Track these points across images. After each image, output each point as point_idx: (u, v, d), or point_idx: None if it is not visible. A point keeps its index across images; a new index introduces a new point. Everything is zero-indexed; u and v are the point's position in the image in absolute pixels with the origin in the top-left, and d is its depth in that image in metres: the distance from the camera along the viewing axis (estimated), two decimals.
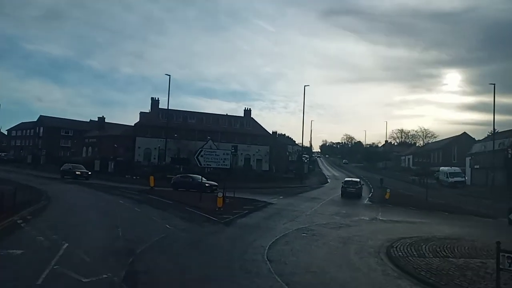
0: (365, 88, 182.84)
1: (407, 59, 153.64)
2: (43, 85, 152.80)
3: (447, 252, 12.71)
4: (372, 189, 40.12)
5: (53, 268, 8.50)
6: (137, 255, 10.25)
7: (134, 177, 40.71)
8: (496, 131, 75.58)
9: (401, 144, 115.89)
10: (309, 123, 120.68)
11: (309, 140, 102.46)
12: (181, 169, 42.93)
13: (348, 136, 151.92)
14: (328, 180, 57.60)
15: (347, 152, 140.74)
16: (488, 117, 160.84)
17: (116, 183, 35.45)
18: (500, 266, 7.75)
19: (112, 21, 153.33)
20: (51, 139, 75.32)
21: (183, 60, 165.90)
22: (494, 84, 38.49)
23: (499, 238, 8.63)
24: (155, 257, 10.34)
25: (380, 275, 9.88)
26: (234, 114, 73.38)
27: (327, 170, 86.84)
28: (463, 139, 67.97)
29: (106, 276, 8.15)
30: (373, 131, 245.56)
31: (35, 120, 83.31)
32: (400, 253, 12.38)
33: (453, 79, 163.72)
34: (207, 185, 28.05)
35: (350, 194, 31.37)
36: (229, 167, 22.26)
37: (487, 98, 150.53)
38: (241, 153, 63.05)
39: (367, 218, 20.13)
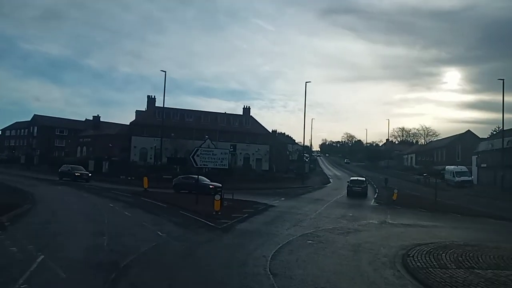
0: (364, 86, 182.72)
1: (407, 58, 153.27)
2: (41, 85, 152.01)
3: (471, 261, 11.33)
4: (377, 189, 38.84)
5: None
6: (121, 270, 8.85)
7: (129, 178, 39.25)
8: (500, 129, 74.61)
9: (402, 142, 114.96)
10: (310, 121, 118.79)
11: (310, 139, 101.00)
12: (178, 170, 41.56)
13: (348, 135, 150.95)
14: (330, 180, 56.29)
15: (348, 151, 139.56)
16: (488, 115, 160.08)
17: (110, 184, 34.09)
18: None
19: (110, 21, 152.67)
20: (45, 139, 73.74)
21: (182, 59, 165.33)
22: (503, 79, 37.10)
23: None
24: (141, 272, 8.95)
25: None
26: (233, 113, 72.10)
27: (328, 169, 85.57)
28: (467, 137, 66.71)
29: None
30: (373, 130, 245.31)
31: (30, 119, 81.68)
32: (419, 264, 10.99)
33: (453, 77, 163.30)
34: (211, 186, 26.63)
35: (356, 193, 32.16)
36: (227, 167, 20.86)
37: (487, 96, 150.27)
38: (240, 153, 61.68)
39: (376, 222, 18.75)
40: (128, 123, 60.97)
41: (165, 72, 40.95)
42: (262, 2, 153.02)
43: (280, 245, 12.41)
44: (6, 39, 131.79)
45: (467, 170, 47.28)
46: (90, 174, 37.28)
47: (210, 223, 15.50)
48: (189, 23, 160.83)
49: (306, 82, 50.22)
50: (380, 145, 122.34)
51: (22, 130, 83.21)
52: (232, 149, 46.22)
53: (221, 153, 20.51)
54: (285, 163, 69.27)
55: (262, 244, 12.63)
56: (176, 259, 10.44)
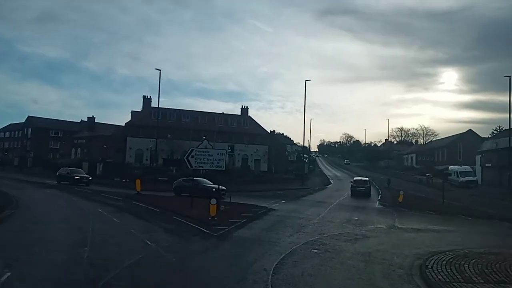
0: (362, 87, 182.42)
1: (404, 58, 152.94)
2: (39, 87, 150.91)
3: (499, 274, 10.02)
4: (380, 191, 37.56)
5: None
6: None
7: (124, 180, 37.78)
8: (501, 128, 73.65)
9: (401, 142, 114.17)
10: (309, 121, 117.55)
11: (308, 139, 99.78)
12: (174, 171, 40.27)
13: (347, 135, 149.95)
14: (331, 181, 55.00)
15: (346, 151, 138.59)
16: (485, 115, 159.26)
17: (102, 187, 32.67)
18: None
19: (108, 23, 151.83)
20: (39, 141, 72.09)
21: (179, 61, 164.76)
22: (510, 76, 35.76)
23: None
24: None
25: None
26: (231, 113, 70.73)
27: (327, 170, 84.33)
28: (469, 136, 65.59)
29: None
30: (371, 130, 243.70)
31: (23, 121, 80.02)
32: (440, 277, 9.69)
33: (450, 77, 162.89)
34: (214, 189, 25.26)
35: (359, 193, 33.00)
36: (224, 168, 19.51)
37: (484, 97, 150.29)
38: (238, 153, 60.32)
39: (384, 226, 17.43)
40: (124, 124, 59.55)
41: (159, 70, 39.51)
42: (259, 3, 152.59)
43: (283, 255, 11.13)
44: (4, 42, 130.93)
45: (472, 170, 46.04)
46: (90, 178, 35.49)
47: (205, 230, 14.18)
48: (187, 25, 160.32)
49: (306, 81, 48.85)
50: (378, 145, 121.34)
51: (16, 132, 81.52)
52: (229, 150, 44.83)
53: (218, 154, 19.17)
54: (284, 164, 67.94)
55: (262, 254, 11.35)
56: (164, 275, 9.12)
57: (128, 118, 60.08)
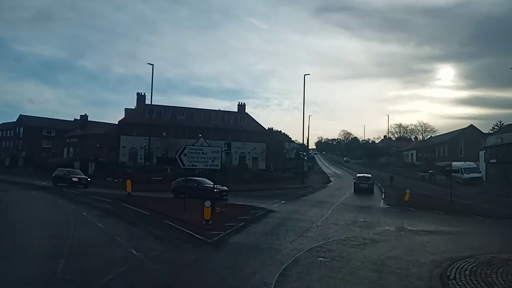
0: (359, 84, 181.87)
1: (400, 55, 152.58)
2: (35, 86, 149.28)
3: None
4: (383, 189, 36.33)
5: None
6: None
7: (116, 180, 36.26)
8: (502, 123, 72.55)
9: (400, 139, 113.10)
10: (307, 117, 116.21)
11: (307, 136, 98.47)
12: (169, 170, 38.85)
13: (345, 132, 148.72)
14: (331, 178, 53.70)
15: (344, 149, 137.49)
16: (482, 111, 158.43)
17: (93, 187, 31.19)
18: None
19: (104, 22, 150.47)
20: (31, 140, 70.22)
21: (176, 59, 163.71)
22: None
23: None
24: None
25: None
26: (228, 109, 69.25)
27: (326, 167, 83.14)
28: (470, 132, 64.38)
29: None
30: (369, 127, 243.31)
31: (15, 120, 78.06)
32: None
33: (446, 73, 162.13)
34: (216, 190, 23.84)
35: (363, 189, 33.58)
36: (219, 167, 18.10)
37: (480, 92, 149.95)
38: (236, 151, 58.81)
39: (393, 229, 16.12)
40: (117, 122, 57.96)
41: (152, 65, 37.98)
42: (255, 1, 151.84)
43: (285, 265, 9.83)
44: None
45: (476, 166, 44.77)
46: (89, 179, 33.54)
47: (198, 236, 12.81)
48: (183, 23, 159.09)
49: (305, 75, 47.22)
50: (376, 142, 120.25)
51: (8, 132, 79.60)
52: (226, 148, 43.33)
53: (213, 152, 17.78)
54: (282, 161, 66.56)
55: (262, 264, 10.03)
56: None
57: (122, 116, 58.58)
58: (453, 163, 44.42)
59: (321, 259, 10.69)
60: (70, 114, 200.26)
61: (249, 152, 61.68)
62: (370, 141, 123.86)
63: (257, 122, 66.10)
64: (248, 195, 29.53)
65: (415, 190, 33.17)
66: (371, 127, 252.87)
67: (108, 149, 52.21)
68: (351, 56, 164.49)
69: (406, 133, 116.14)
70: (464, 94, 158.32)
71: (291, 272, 9.26)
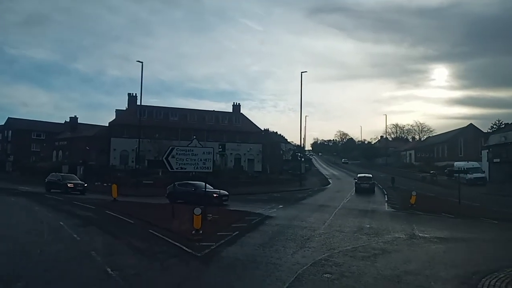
0: (353, 85, 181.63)
1: (395, 55, 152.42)
2: (28, 89, 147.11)
3: None
4: (385, 191, 34.89)
5: None
6: None
7: (105, 184, 34.47)
8: (501, 122, 71.54)
9: (397, 139, 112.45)
10: (304, 118, 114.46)
11: (303, 137, 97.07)
12: (160, 173, 37.16)
13: (341, 133, 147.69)
14: (329, 180, 52.14)
15: (341, 149, 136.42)
16: (476, 110, 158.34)
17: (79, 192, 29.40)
18: None
19: (97, 24, 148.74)
20: (20, 144, 68.07)
21: (171, 61, 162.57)
22: None
23: None
24: None
25: None
26: (222, 110, 67.56)
27: (324, 169, 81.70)
28: (470, 131, 63.26)
29: None
30: (364, 128, 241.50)
31: (3, 123, 75.77)
32: None
33: (441, 74, 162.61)
34: (215, 195, 22.23)
35: (364, 189, 34.03)
36: (211, 170, 16.48)
37: (474, 92, 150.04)
38: (231, 153, 57.25)
39: (404, 236, 14.57)
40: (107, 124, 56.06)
41: (142, 62, 36.37)
42: (249, 2, 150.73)
43: (286, 284, 8.28)
44: None
45: (479, 166, 43.44)
46: (86, 185, 31.51)
47: (186, 249, 11.19)
48: (177, 25, 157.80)
49: (302, 72, 45.38)
50: (373, 142, 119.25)
51: None
52: (221, 149, 41.76)
53: (204, 153, 16.15)
54: (279, 163, 65.02)
55: (259, 284, 8.53)
56: None
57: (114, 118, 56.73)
58: (455, 163, 43.14)
59: (328, 275, 9.12)
60: (64, 117, 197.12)
61: (244, 154, 60.06)
62: (366, 142, 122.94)
63: (253, 123, 64.51)
64: (243, 199, 27.94)
65: (419, 192, 31.74)
66: (367, 127, 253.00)
67: (98, 152, 50.36)
68: (345, 57, 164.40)
69: (403, 133, 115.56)
70: (459, 94, 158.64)
71: None
